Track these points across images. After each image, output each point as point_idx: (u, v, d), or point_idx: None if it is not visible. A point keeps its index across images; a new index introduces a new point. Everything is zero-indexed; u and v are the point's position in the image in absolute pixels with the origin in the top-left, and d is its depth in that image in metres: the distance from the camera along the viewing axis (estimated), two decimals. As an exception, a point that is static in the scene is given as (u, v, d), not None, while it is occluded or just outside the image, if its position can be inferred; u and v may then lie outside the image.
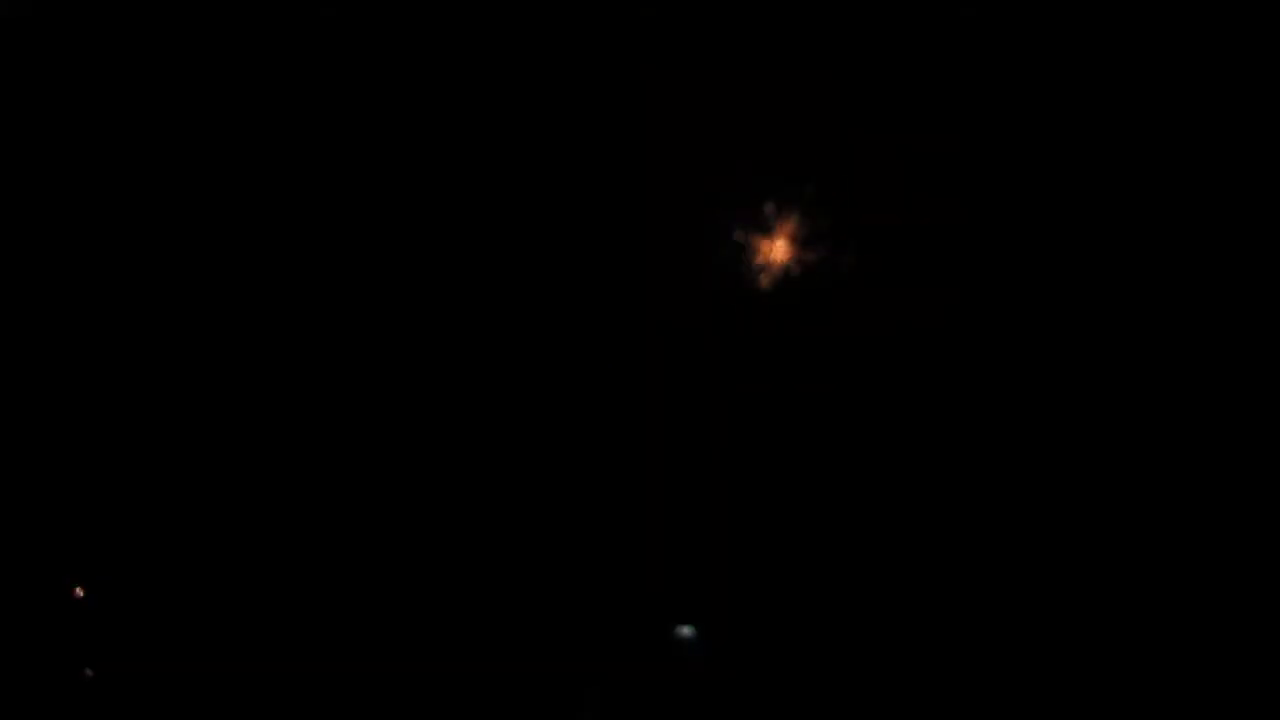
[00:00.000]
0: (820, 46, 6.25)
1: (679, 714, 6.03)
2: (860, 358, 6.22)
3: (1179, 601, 5.93)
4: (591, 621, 6.16)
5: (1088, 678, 5.92)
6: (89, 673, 6.05)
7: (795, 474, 6.20)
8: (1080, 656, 5.94)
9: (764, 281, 6.13)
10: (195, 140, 6.40)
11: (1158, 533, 5.99)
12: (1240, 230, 6.06)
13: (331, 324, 6.38)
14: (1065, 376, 6.13)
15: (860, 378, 6.22)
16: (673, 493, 6.23)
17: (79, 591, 6.14)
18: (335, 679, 6.14)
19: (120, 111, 6.39)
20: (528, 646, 6.16)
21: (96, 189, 6.39)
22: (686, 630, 6.04)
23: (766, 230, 6.14)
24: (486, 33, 6.31)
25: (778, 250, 6.02)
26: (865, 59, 6.24)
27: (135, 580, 6.23)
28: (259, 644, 6.19)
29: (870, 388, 6.22)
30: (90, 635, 6.13)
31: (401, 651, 6.17)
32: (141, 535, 6.28)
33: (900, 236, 6.24)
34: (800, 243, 6.16)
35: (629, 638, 6.13)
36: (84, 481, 6.27)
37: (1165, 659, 5.88)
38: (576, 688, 6.07)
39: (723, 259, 6.18)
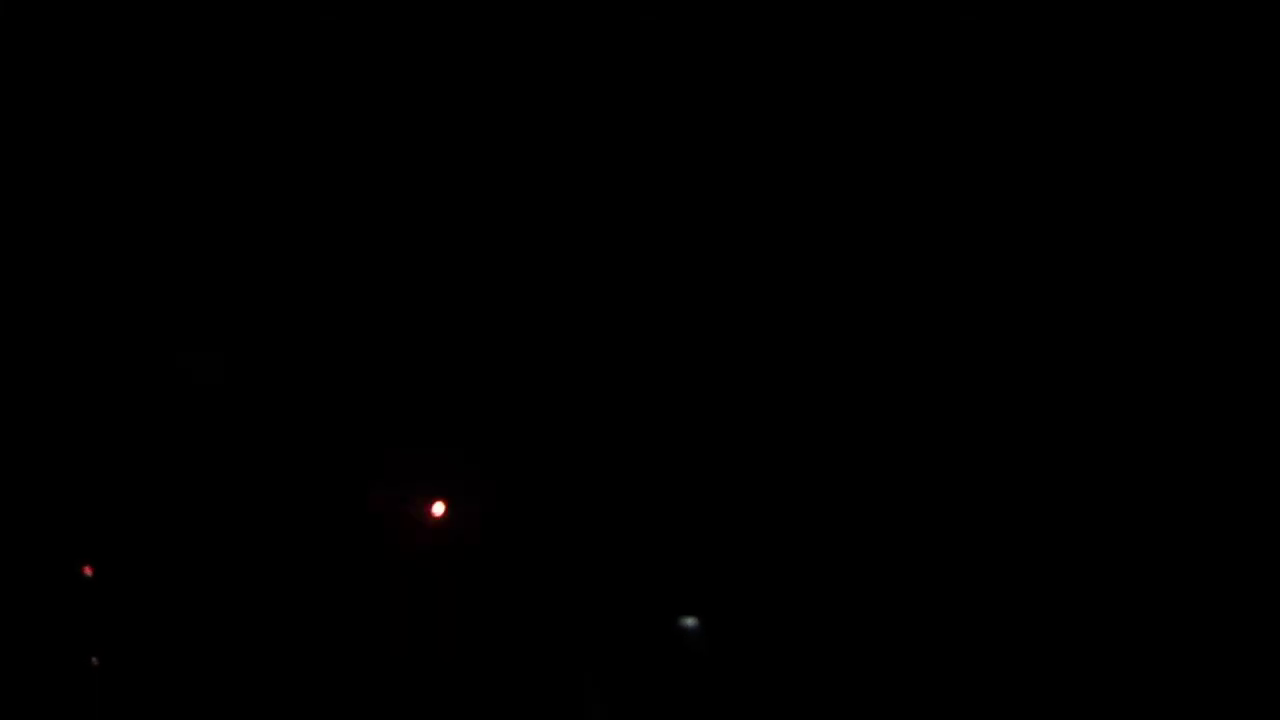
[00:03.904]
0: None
1: (682, 706, 6.03)
2: (860, 356, 6.24)
3: (1179, 601, 5.93)
4: (594, 614, 6.17)
5: (1087, 678, 5.91)
6: (94, 661, 6.05)
7: (795, 471, 6.21)
8: (1079, 656, 5.93)
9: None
10: (189, 140, 6.41)
11: (1157, 532, 5.99)
12: (1240, 230, 6.07)
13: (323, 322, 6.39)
14: (1062, 378, 6.14)
15: (860, 374, 6.24)
16: (674, 487, 6.23)
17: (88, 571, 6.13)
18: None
19: (116, 110, 6.40)
20: (531, 640, 6.16)
21: (95, 188, 6.39)
22: (690, 621, 6.04)
23: None
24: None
25: None
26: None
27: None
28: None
29: (870, 385, 6.23)
30: (97, 622, 6.12)
31: (404, 644, 6.18)
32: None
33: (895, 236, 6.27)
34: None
35: (632, 629, 6.12)
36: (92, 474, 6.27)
37: (1165, 659, 5.87)
38: (579, 680, 6.08)
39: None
